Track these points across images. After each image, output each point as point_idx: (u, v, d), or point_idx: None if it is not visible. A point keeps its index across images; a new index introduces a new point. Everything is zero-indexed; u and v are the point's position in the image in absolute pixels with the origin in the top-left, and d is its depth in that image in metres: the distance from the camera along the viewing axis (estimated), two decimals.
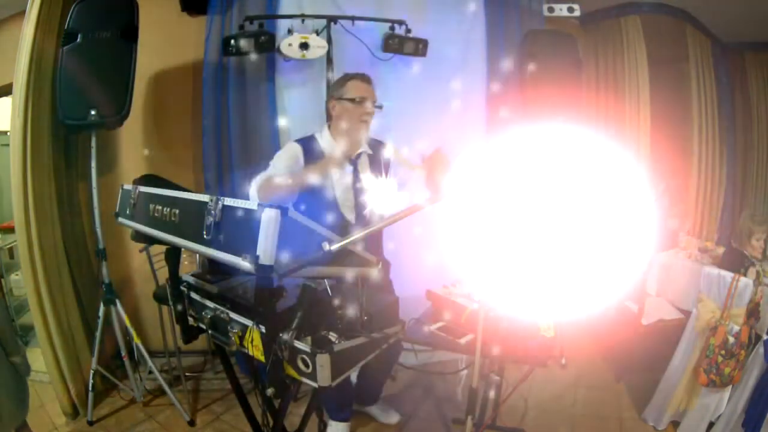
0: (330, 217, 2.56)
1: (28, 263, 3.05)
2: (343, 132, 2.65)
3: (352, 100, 2.60)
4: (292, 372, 1.56)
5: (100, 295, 3.26)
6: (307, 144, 2.65)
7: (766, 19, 4.20)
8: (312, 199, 2.55)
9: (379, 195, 2.61)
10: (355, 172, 2.66)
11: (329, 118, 2.76)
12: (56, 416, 3.25)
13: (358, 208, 2.66)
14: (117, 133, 3.62)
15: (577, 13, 4.26)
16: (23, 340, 4.17)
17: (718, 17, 4.68)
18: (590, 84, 4.82)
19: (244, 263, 1.23)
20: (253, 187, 2.40)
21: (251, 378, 2.79)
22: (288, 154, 2.61)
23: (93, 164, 3.17)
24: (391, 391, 3.65)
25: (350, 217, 2.65)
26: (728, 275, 2.85)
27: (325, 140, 2.68)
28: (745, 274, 2.95)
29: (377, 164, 2.76)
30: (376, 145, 2.78)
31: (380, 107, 2.70)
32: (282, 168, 2.52)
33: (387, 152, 2.78)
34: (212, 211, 1.37)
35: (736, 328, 2.83)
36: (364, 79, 2.67)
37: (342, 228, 2.57)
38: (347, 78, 2.68)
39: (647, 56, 4.51)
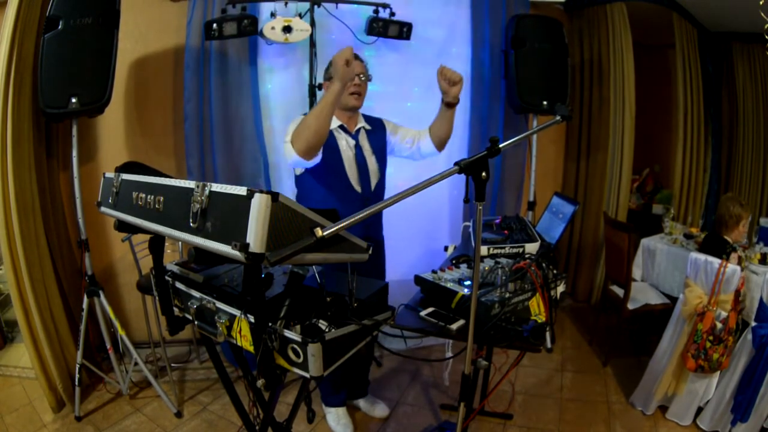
0: (341, 188, 2.71)
1: (8, 256, 2.99)
2: (340, 108, 2.74)
3: None
4: (282, 362, 1.52)
5: (84, 287, 3.21)
6: None
7: (752, 9, 4.20)
8: (324, 169, 2.68)
9: (382, 168, 2.87)
10: (358, 146, 2.78)
11: None
12: (44, 412, 3.20)
13: (363, 180, 2.78)
14: (97, 120, 3.57)
15: None
16: (8, 336, 4.10)
17: (704, 7, 4.69)
18: (575, 69, 4.82)
19: (234, 251, 1.19)
20: (295, 136, 2.45)
21: (238, 367, 2.77)
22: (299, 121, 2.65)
23: (74, 153, 3.11)
24: (377, 377, 3.66)
25: (358, 188, 2.77)
26: (716, 261, 2.86)
27: None
28: (727, 260, 2.97)
29: (376, 139, 2.89)
30: (373, 121, 2.91)
31: (369, 79, 2.82)
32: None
33: (385, 127, 2.96)
34: (198, 198, 1.33)
35: (724, 314, 2.84)
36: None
37: (351, 199, 2.73)
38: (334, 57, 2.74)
39: (633, 43, 4.51)
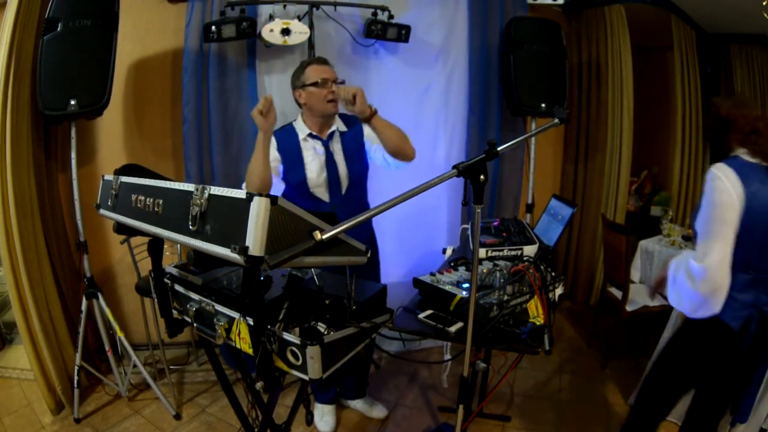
0: (306, 200, 2.69)
1: (7, 258, 2.99)
2: (314, 116, 2.74)
3: (315, 84, 2.68)
4: (281, 364, 1.53)
5: (82, 289, 3.22)
6: (281, 134, 2.74)
7: (750, 10, 4.20)
8: (288, 186, 2.74)
9: (355, 171, 2.80)
10: (328, 152, 2.75)
11: (300, 106, 2.84)
12: (43, 414, 3.21)
13: (333, 187, 2.75)
14: (96, 123, 3.56)
15: (560, 1, 4.26)
16: (7, 337, 4.10)
17: (702, 8, 4.70)
18: (573, 71, 4.82)
19: (233, 254, 1.19)
20: (246, 185, 2.52)
21: (236, 370, 2.78)
22: None
23: (73, 155, 3.11)
24: (376, 379, 3.66)
25: (325, 197, 2.75)
26: None
27: (299, 127, 2.79)
28: None
29: (352, 139, 2.84)
30: (349, 120, 2.87)
31: (342, 82, 2.76)
32: None
33: (359, 133, 2.89)
34: (198, 201, 1.34)
35: None
36: (321, 61, 2.78)
37: (319, 209, 2.67)
38: (304, 65, 2.77)
39: (631, 45, 4.51)
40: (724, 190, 1.90)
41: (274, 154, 2.66)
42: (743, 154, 2.01)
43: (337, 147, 2.80)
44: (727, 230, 1.90)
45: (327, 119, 2.78)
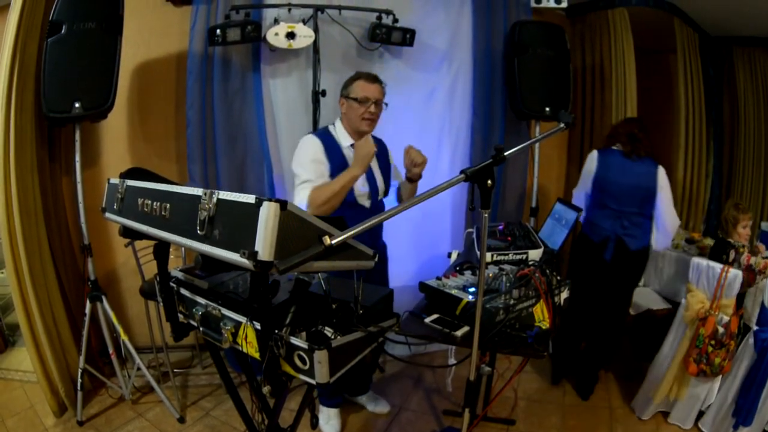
0: (348, 204, 2.68)
1: (11, 260, 2.99)
2: (350, 128, 2.78)
3: (356, 100, 2.71)
4: (288, 369, 1.53)
5: (86, 292, 3.21)
6: (324, 137, 2.75)
7: (752, 13, 4.20)
8: None
9: (386, 184, 2.90)
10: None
11: (341, 113, 2.87)
12: (45, 416, 3.20)
13: (373, 195, 2.81)
14: (100, 125, 3.56)
15: (564, 5, 4.24)
16: (10, 340, 4.09)
17: (705, 11, 4.71)
18: (577, 75, 4.82)
19: (243, 259, 1.19)
20: (309, 205, 2.51)
21: (241, 373, 2.78)
22: (311, 154, 2.69)
23: (77, 158, 3.11)
24: (381, 382, 3.66)
25: (366, 204, 2.79)
26: (717, 266, 2.87)
27: (338, 133, 2.81)
28: (726, 256, 3.07)
29: (381, 158, 2.91)
30: (377, 141, 2.91)
31: (385, 105, 2.81)
32: (314, 171, 2.63)
33: (387, 150, 3.05)
34: (206, 206, 1.33)
35: (726, 318, 2.84)
36: (371, 78, 2.78)
37: (359, 214, 2.70)
38: (355, 77, 2.80)
39: (635, 48, 4.51)
40: (588, 163, 3.41)
41: (323, 160, 2.68)
42: (615, 146, 3.32)
43: (373, 162, 2.82)
44: (584, 181, 3.46)
45: (360, 134, 2.79)
